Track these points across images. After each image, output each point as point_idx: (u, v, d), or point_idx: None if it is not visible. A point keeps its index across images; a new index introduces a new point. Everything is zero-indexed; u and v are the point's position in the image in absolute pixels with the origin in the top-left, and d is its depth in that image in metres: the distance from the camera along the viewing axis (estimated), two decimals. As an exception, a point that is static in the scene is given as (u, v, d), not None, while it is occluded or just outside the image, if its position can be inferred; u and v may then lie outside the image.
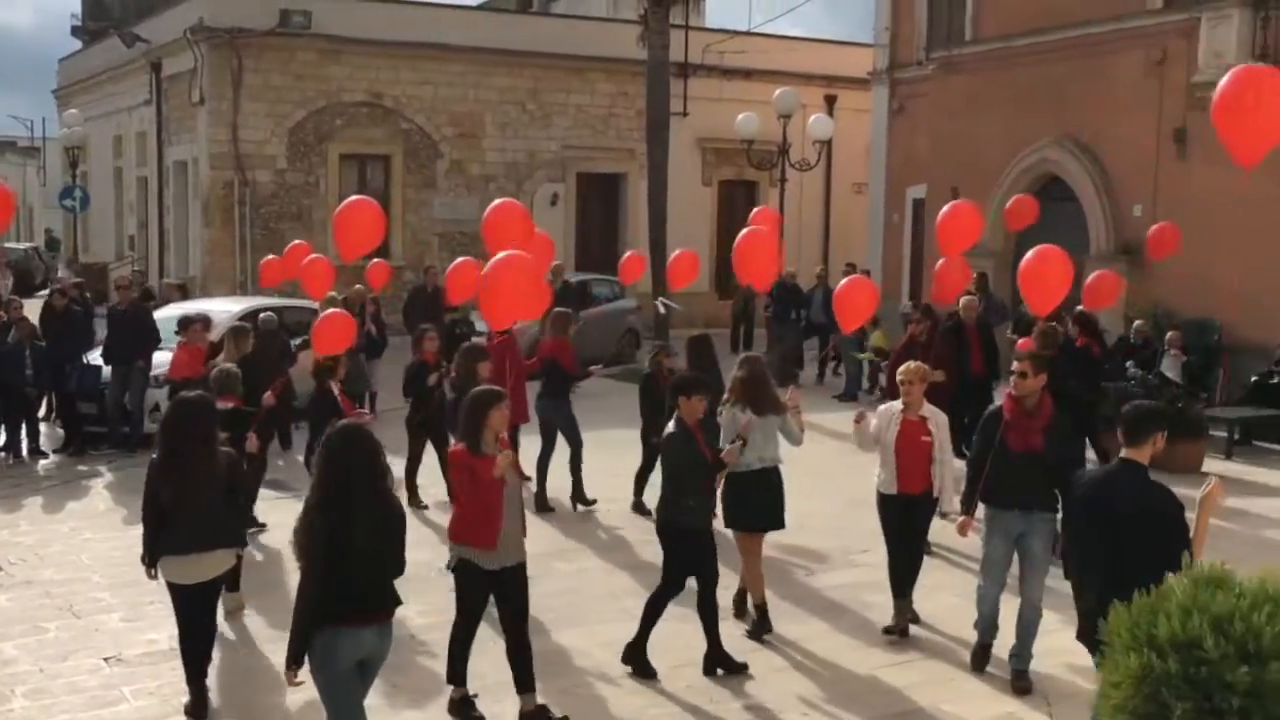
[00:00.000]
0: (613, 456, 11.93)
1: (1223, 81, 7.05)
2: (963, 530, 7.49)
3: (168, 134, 26.87)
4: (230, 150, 23.83)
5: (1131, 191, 17.99)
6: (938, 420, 8.01)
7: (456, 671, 6.77)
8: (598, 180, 27.20)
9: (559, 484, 11.40)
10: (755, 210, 13.64)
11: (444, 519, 10.78)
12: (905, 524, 8.03)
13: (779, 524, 8.11)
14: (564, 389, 11.64)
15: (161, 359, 13.19)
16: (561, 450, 11.48)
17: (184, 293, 18.87)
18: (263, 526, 10.16)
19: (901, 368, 8.24)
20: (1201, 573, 4.25)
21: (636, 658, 7.38)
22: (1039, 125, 19.09)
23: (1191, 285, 16.62)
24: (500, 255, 8.11)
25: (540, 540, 9.05)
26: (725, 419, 8.15)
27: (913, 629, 8.13)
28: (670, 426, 7.47)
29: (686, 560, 7.32)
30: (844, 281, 10.24)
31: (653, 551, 10.06)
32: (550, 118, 26.49)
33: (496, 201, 9.85)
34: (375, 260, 14.51)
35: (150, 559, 6.56)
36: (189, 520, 6.42)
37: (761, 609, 8.09)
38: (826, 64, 28.51)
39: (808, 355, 20.17)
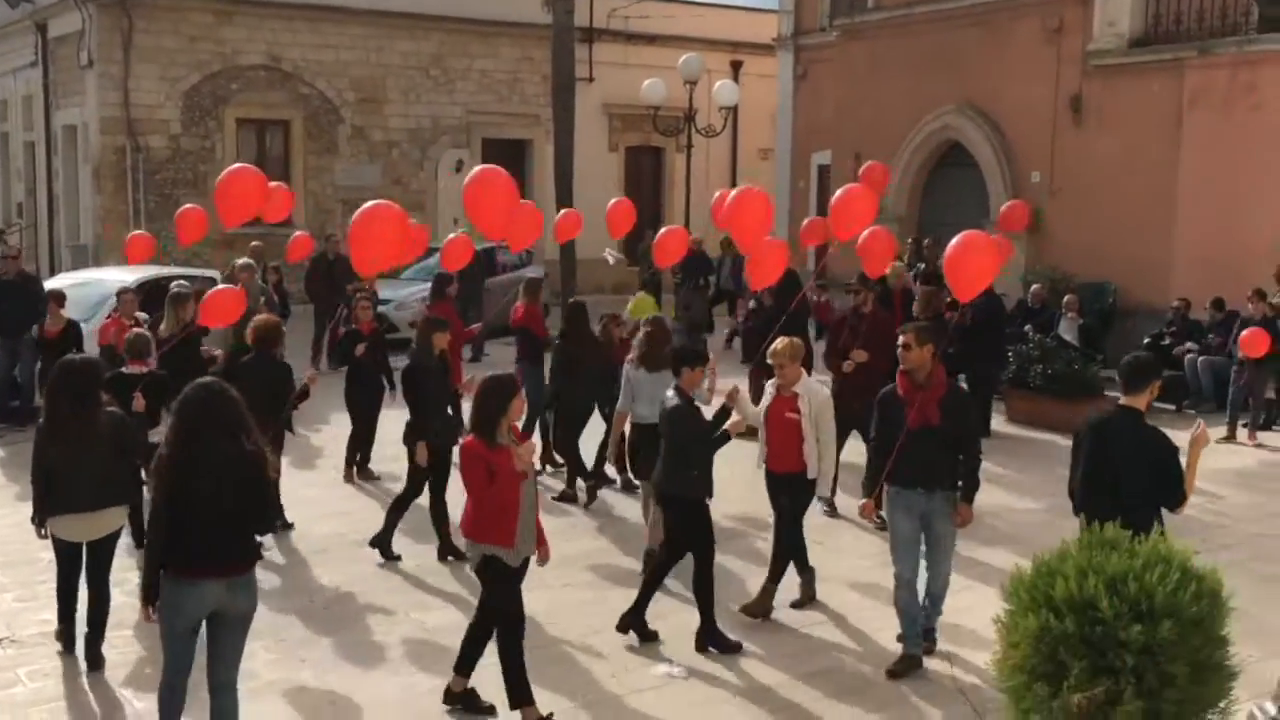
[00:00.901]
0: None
1: None
2: (864, 513, 7.35)
3: (55, 98, 25.89)
4: (121, 114, 23.05)
5: (1029, 158, 18.32)
6: (811, 399, 7.65)
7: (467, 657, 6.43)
8: (503, 146, 26.85)
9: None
10: (716, 194, 13.12)
11: (378, 491, 10.71)
12: (782, 502, 7.90)
13: None
14: (539, 354, 11.54)
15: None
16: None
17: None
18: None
19: (773, 347, 7.78)
20: (1097, 535, 4.37)
21: (634, 624, 7.36)
22: (940, 92, 19.31)
23: (1087, 250, 17.02)
24: (367, 205, 8.02)
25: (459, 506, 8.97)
26: (625, 375, 9.25)
27: (822, 589, 8.15)
28: (673, 398, 7.40)
29: (686, 531, 7.30)
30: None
31: (573, 521, 10.06)
32: (454, 83, 26.08)
33: (477, 168, 9.44)
34: (298, 233, 14.51)
35: (39, 519, 6.75)
36: (77, 481, 6.59)
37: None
38: (732, 29, 28.48)
39: (717, 322, 20.29)
